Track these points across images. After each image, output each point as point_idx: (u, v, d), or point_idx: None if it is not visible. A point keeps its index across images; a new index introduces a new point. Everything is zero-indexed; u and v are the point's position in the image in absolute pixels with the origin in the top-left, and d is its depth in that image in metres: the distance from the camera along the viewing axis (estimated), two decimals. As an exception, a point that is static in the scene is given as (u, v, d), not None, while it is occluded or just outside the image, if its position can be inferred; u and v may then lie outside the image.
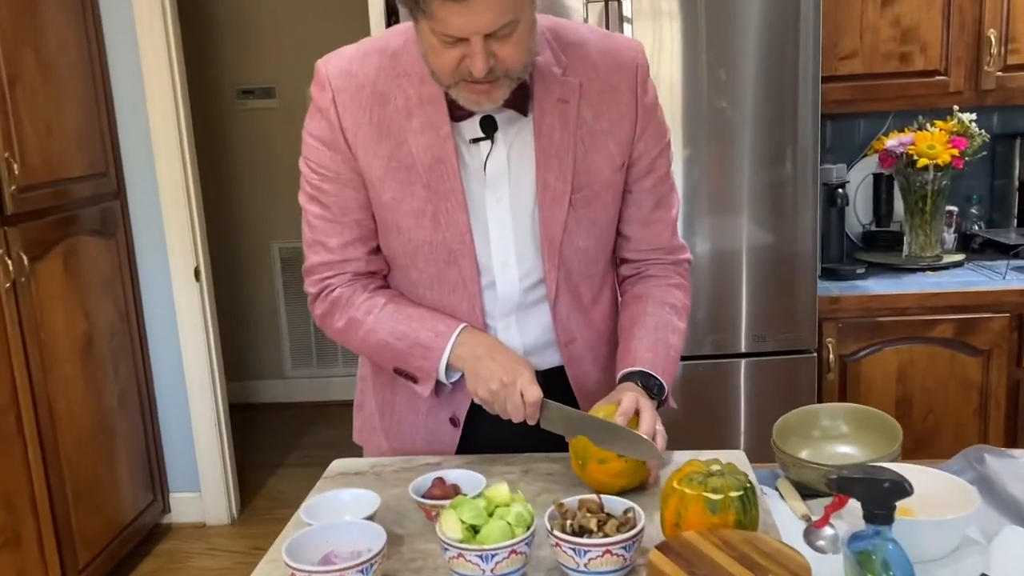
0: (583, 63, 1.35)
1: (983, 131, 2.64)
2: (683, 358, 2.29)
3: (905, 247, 2.79)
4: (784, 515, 1.26)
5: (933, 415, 2.56)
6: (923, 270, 2.72)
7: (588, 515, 1.08)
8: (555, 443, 1.38)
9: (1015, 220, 2.92)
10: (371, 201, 1.36)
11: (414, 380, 1.39)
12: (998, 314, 2.50)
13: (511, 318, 1.41)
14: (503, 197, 1.35)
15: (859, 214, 3.02)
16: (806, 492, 1.31)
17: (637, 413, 1.27)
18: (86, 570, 2.88)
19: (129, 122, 3.21)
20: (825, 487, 1.28)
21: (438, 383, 1.38)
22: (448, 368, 1.35)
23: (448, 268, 1.36)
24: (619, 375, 1.39)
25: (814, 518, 1.24)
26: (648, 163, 1.42)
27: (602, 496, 1.13)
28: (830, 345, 2.51)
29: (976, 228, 2.94)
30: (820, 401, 2.49)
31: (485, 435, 1.44)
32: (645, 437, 1.23)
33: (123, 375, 3.19)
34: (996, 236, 2.87)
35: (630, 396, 1.29)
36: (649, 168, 1.42)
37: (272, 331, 4.77)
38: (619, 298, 1.53)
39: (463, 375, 1.36)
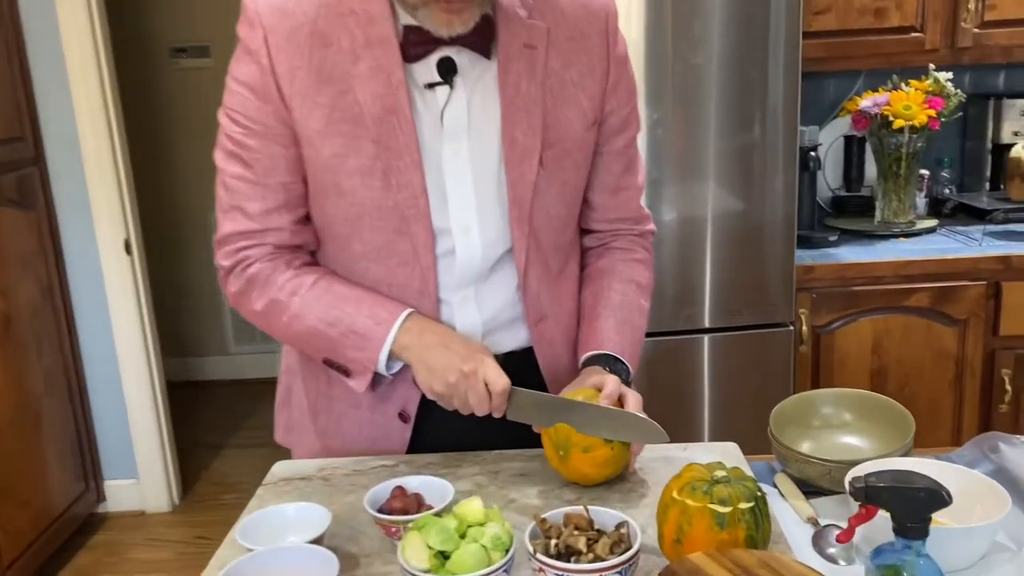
0: (550, 6, 1.21)
1: (959, 91, 2.53)
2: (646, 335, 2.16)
3: (877, 213, 2.68)
4: (786, 517, 1.13)
5: (909, 387, 2.47)
6: (896, 236, 2.62)
7: (576, 533, 0.93)
8: (520, 436, 1.22)
9: (987, 183, 2.83)
10: (305, 160, 1.18)
11: (346, 373, 1.22)
12: (974, 282, 2.41)
13: (468, 290, 1.25)
14: (462, 150, 1.19)
15: (828, 179, 2.91)
16: (808, 489, 1.18)
17: (620, 399, 1.15)
18: (14, 566, 2.67)
19: (47, 82, 2.94)
20: (830, 484, 1.15)
21: (375, 376, 1.22)
22: (390, 358, 1.19)
23: (399, 237, 1.20)
24: (583, 357, 1.26)
25: (821, 521, 1.11)
26: (619, 121, 1.29)
27: (590, 508, 0.98)
28: (803, 316, 2.39)
29: (947, 192, 2.85)
30: (794, 377, 2.38)
31: (440, 431, 1.28)
32: (644, 416, 1.09)
33: (48, 357, 2.96)
34: (969, 200, 2.78)
35: (612, 380, 1.15)
36: (620, 127, 1.29)
37: (213, 305, 4.53)
38: (578, 269, 1.39)
39: (405, 365, 1.20)
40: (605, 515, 0.97)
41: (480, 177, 1.20)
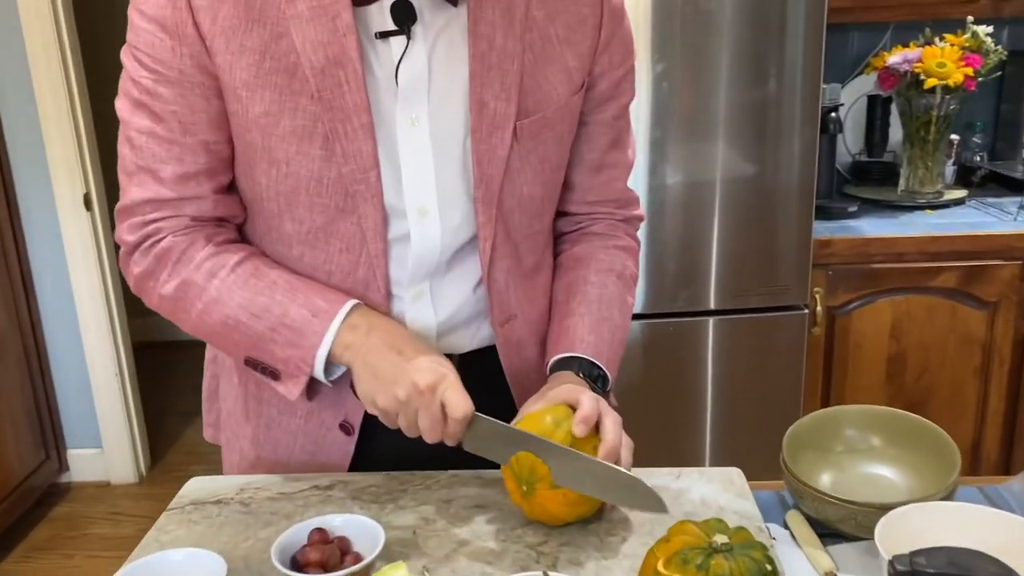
0: None
1: (999, 47, 2.27)
2: (643, 316, 1.94)
3: (901, 181, 2.44)
4: (798, 568, 0.92)
5: (928, 374, 2.25)
6: (921, 208, 2.38)
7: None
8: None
9: (1023, 151, 2.58)
10: (231, 118, 0.96)
11: (274, 376, 1.00)
12: (1008, 261, 2.18)
13: (423, 285, 1.04)
14: (420, 117, 0.97)
15: (847, 142, 2.66)
16: (825, 531, 0.97)
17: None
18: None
19: (-4, 22, 2.69)
20: (854, 529, 0.94)
21: (311, 383, 1.00)
22: (329, 362, 0.97)
23: (342, 217, 0.98)
24: (552, 360, 1.06)
25: (839, 573, 0.89)
26: (610, 86, 1.07)
27: (551, 575, 0.77)
28: (817, 296, 2.17)
29: (978, 160, 2.60)
30: (807, 365, 2.16)
31: (389, 442, 1.07)
32: (637, 478, 0.88)
33: (2, 319, 2.76)
34: (1003, 170, 2.53)
35: (589, 398, 0.94)
36: (611, 92, 1.07)
37: (192, 261, 4.31)
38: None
39: (348, 372, 0.99)
40: (570, 585, 0.76)
41: (441, 149, 0.98)
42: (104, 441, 3.10)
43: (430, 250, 1.01)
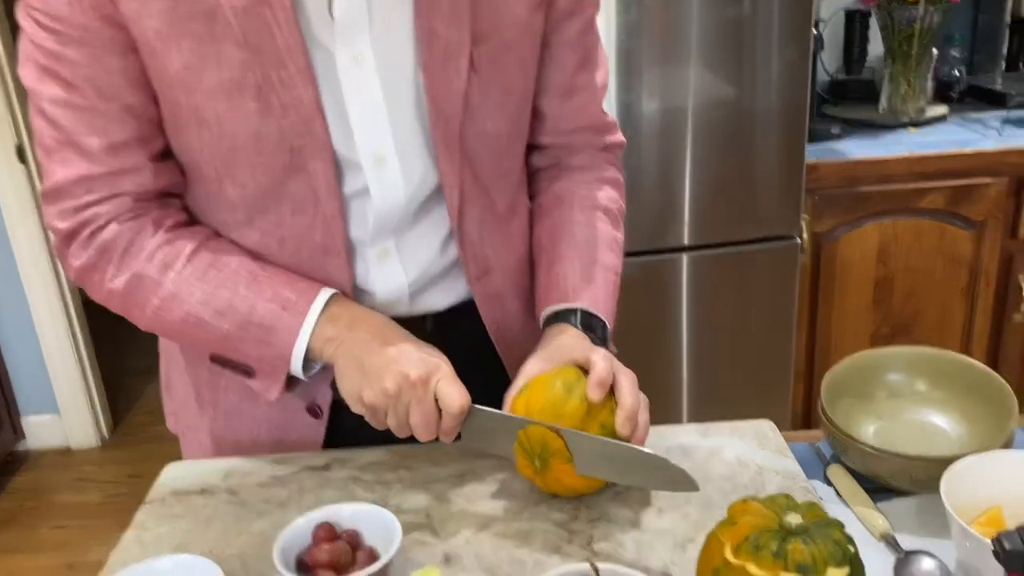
0: None
1: (984, -46, 2.18)
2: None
3: (883, 100, 2.36)
4: (850, 531, 0.85)
5: (916, 297, 2.21)
6: (904, 127, 2.30)
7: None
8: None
9: (1003, 63, 2.51)
10: (150, 74, 0.83)
11: (247, 374, 0.91)
12: (995, 178, 2.12)
13: (388, 243, 0.93)
14: (364, 54, 0.84)
15: (824, 60, 2.55)
16: (870, 485, 0.90)
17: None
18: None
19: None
20: (908, 484, 0.87)
21: (289, 378, 0.91)
22: (308, 357, 0.88)
23: (289, 176, 0.86)
24: (545, 314, 0.96)
25: (898, 537, 0.83)
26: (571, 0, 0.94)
27: (599, 566, 0.68)
28: (804, 222, 2.09)
29: (956, 74, 2.52)
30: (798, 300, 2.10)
31: (360, 424, 0.96)
32: (666, 459, 0.79)
33: (-65, 285, 2.57)
34: (982, 83, 2.46)
35: (601, 356, 0.84)
36: (572, 7, 0.95)
37: (138, 211, 4.10)
38: (529, 200, 1.07)
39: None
40: (623, 577, 0.67)
41: (392, 88, 0.86)
42: (61, 405, 2.95)
43: (393, 203, 0.90)
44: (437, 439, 0.84)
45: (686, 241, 2.03)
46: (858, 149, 2.16)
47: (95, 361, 3.02)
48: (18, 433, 2.94)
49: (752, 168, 1.99)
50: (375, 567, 0.71)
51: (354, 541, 0.77)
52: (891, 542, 0.83)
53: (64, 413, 2.97)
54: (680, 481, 0.78)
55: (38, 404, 2.95)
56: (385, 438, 0.95)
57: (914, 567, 0.79)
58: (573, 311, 0.94)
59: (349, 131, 0.85)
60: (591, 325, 0.94)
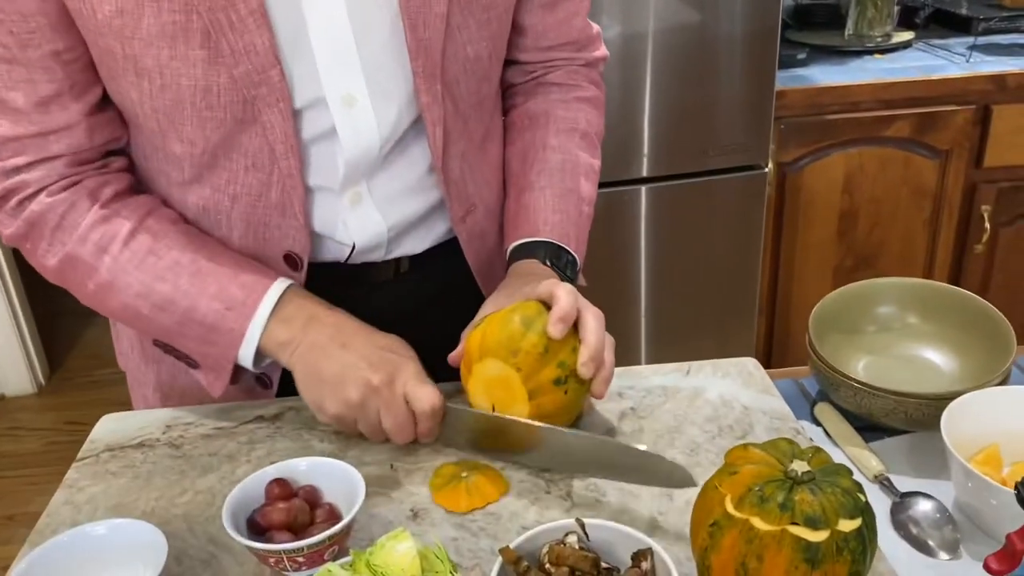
0: None
1: None
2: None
3: (849, 24, 2.29)
4: (840, 472, 0.80)
5: (879, 228, 2.17)
6: (870, 52, 2.24)
7: (571, 579, 0.57)
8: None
9: (968, -13, 2.45)
10: (74, 16, 0.72)
11: (191, 365, 0.83)
12: (962, 106, 2.08)
13: (359, 187, 0.84)
14: None
15: (787, -17, 2.47)
16: (859, 424, 0.85)
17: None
18: None
19: None
20: (902, 423, 0.82)
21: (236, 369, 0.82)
22: (259, 354, 0.80)
23: (242, 129, 0.76)
24: (513, 245, 0.88)
25: (891, 477, 0.78)
26: None
27: (585, 522, 0.61)
28: (769, 152, 2.03)
29: (921, -1, 2.46)
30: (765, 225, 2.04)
31: None
32: (659, 455, 0.72)
33: None
34: (948, 6, 2.40)
35: (565, 291, 0.76)
36: None
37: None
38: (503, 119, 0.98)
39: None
40: (610, 533, 0.61)
41: (361, 16, 0.76)
42: (-8, 351, 2.81)
43: (365, 148, 0.80)
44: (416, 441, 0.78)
45: (645, 173, 1.95)
46: (824, 75, 2.09)
47: (26, 303, 2.87)
48: (-52, 380, 2.80)
49: (717, 96, 1.91)
50: (337, 527, 0.64)
51: (312, 498, 0.69)
52: (886, 484, 0.78)
53: (-4, 358, 2.82)
54: (677, 478, 0.70)
55: (-32, 349, 2.80)
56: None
57: (912, 509, 0.75)
58: (541, 244, 0.87)
59: (314, 71, 0.75)
60: (560, 260, 0.87)
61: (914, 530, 0.73)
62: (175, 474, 0.80)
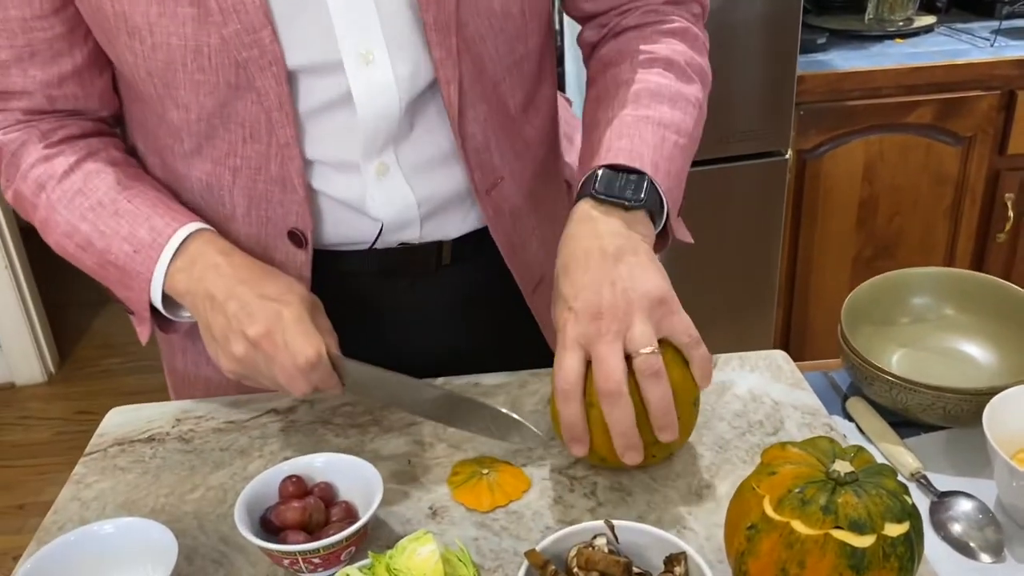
0: None
1: None
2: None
3: (870, 8, 2.24)
4: (875, 469, 0.77)
5: (900, 216, 2.13)
6: (892, 37, 2.19)
7: (602, 586, 0.54)
8: (447, 356, 0.85)
9: (991, -30, 2.39)
10: None
11: (129, 312, 0.80)
12: (987, 91, 2.03)
13: (388, 156, 0.78)
14: None
15: (806, -33, 2.42)
16: (893, 420, 0.82)
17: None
18: None
19: None
20: (940, 419, 0.79)
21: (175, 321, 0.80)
22: (172, 302, 0.77)
23: (237, 95, 0.72)
24: (574, 197, 0.77)
25: (930, 477, 0.75)
26: None
27: (615, 524, 0.58)
28: (789, 139, 1.98)
29: (943, -18, 2.40)
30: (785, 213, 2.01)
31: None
32: (511, 415, 0.70)
33: None
34: (971, -9, 2.35)
35: (560, 350, 0.68)
36: None
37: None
38: (556, 94, 0.93)
39: None
40: (641, 536, 0.58)
41: None
42: (3, 340, 2.79)
43: (385, 110, 0.75)
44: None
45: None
46: (844, 61, 2.05)
47: (36, 293, 2.85)
48: (-42, 370, 2.79)
49: (737, 82, 1.87)
50: (355, 527, 0.61)
51: (327, 496, 0.67)
52: (923, 482, 0.75)
53: (6, 348, 2.81)
54: (528, 436, 0.70)
55: (-22, 339, 2.79)
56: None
57: (953, 509, 0.72)
58: (593, 176, 0.73)
59: (327, 29, 0.71)
60: (613, 187, 0.72)
61: (955, 531, 0.70)
62: (185, 469, 0.77)
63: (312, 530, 0.64)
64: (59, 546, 0.62)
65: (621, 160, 0.73)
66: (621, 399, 0.64)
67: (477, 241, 0.86)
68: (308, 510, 0.64)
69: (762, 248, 2.01)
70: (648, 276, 0.68)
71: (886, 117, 2.03)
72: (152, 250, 0.74)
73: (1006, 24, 2.18)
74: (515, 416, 0.71)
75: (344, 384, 0.72)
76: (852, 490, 0.54)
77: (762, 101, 1.88)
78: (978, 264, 2.23)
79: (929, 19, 2.27)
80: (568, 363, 0.66)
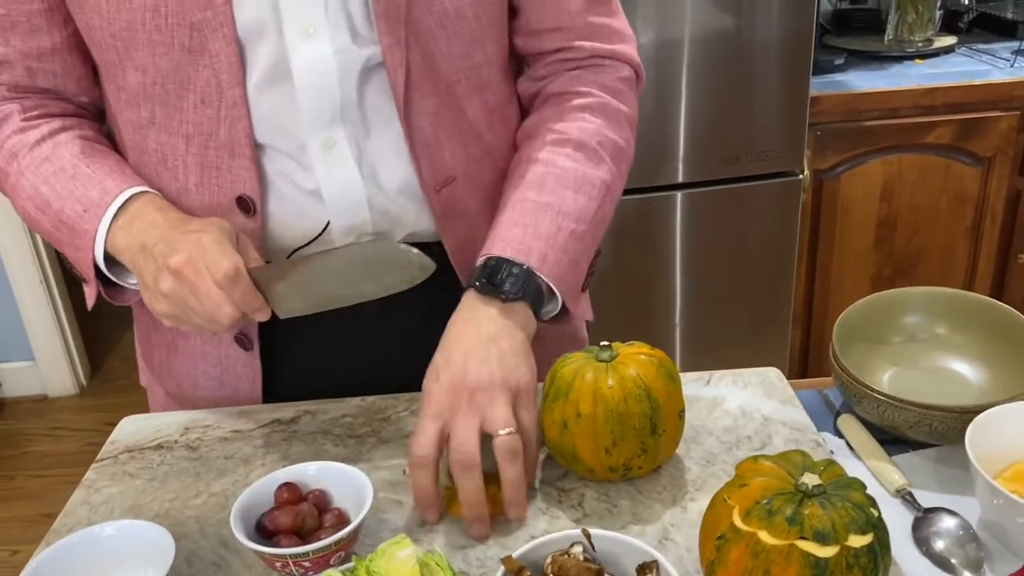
0: None
1: None
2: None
3: (889, 29, 2.25)
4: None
5: (919, 237, 2.13)
6: (911, 58, 2.20)
7: (574, 591, 0.56)
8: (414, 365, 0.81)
9: (1014, -9, 2.39)
10: None
11: (84, 280, 0.83)
12: (1006, 112, 2.03)
13: (335, 132, 0.79)
14: None
15: (826, -12, 2.44)
16: (883, 437, 0.83)
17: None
18: None
19: None
20: (926, 436, 0.79)
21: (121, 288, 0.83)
22: (113, 260, 0.80)
23: (191, 59, 0.75)
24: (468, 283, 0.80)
25: (915, 493, 0.76)
26: None
27: (592, 534, 0.60)
28: (805, 159, 2.00)
29: (965, 2, 2.40)
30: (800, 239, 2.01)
31: (301, 357, 0.90)
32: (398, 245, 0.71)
33: (-101, 227, 2.46)
34: (992, 10, 2.34)
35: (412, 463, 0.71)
36: None
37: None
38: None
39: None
40: (616, 545, 0.60)
41: None
42: (36, 352, 2.87)
43: (324, 83, 0.77)
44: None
45: (680, 179, 1.94)
46: (862, 81, 2.06)
47: (69, 307, 2.93)
48: (-7, 381, 2.87)
49: (752, 102, 1.89)
50: (342, 533, 0.63)
51: (321, 502, 0.69)
52: (908, 498, 0.76)
53: (40, 360, 2.88)
54: (416, 267, 0.69)
55: (13, 351, 2.87)
56: (322, 373, 0.89)
57: (935, 526, 0.72)
58: (481, 266, 0.77)
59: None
60: (496, 277, 0.76)
61: (936, 547, 0.71)
62: (190, 476, 0.80)
63: (305, 535, 0.67)
64: (63, 547, 0.65)
65: (508, 254, 0.77)
66: (473, 471, 0.68)
67: (438, 258, 0.82)
68: (301, 515, 0.66)
69: (777, 267, 2.01)
70: (516, 363, 0.73)
71: (904, 137, 2.03)
72: (99, 208, 0.77)
73: (1026, 45, 2.17)
74: (401, 246, 0.70)
75: (269, 301, 0.72)
76: (818, 502, 0.55)
77: (776, 121, 1.90)
78: (999, 285, 2.22)
79: (950, 40, 2.27)
80: (424, 433, 0.69)
